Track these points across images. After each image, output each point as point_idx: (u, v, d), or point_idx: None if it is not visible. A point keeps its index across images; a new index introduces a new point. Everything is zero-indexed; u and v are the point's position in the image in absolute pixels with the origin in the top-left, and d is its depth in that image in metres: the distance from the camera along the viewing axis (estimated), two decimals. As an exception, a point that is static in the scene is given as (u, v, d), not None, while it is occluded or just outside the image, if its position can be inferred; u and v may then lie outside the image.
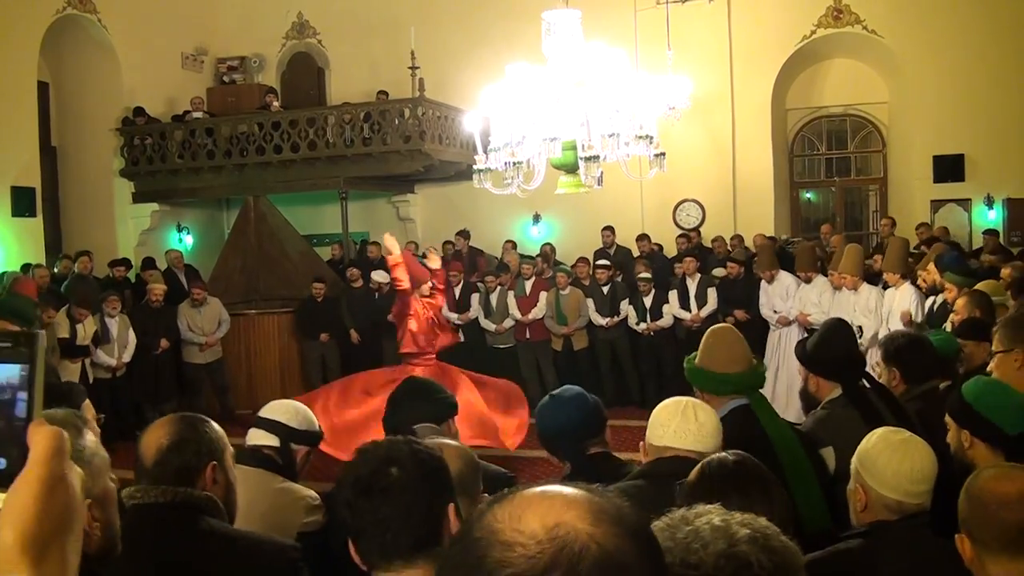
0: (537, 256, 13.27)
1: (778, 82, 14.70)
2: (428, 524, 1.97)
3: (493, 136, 6.66)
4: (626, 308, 11.77)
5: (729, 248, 12.92)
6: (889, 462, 2.62)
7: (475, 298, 12.23)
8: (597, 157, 6.33)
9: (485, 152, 6.68)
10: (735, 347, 3.58)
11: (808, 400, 3.86)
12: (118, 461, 2.38)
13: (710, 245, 13.30)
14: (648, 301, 11.62)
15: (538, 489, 1.06)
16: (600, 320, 11.74)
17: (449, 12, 15.42)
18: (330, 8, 16.54)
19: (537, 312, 11.84)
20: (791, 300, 10.63)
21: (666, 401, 3.02)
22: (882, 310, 9.14)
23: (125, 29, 14.65)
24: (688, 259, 11.83)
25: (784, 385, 9.96)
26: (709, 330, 3.76)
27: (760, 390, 3.62)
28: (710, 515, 1.41)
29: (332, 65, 16.90)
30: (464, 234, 14.17)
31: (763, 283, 10.96)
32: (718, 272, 11.74)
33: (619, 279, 12.18)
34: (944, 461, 2.91)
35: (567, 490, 1.06)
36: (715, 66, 14.37)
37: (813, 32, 14.49)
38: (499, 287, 12.10)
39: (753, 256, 11.96)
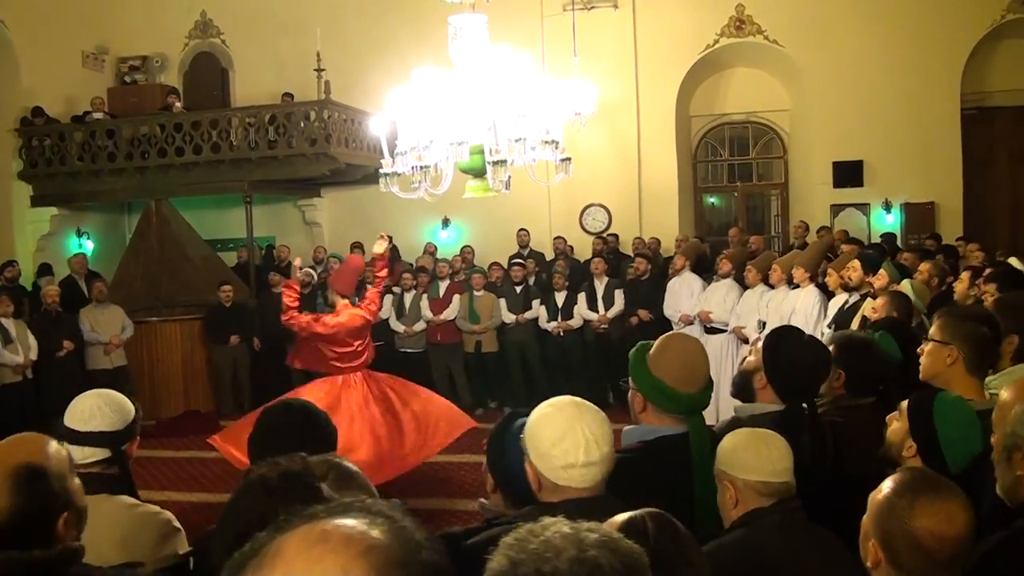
0: (456, 256, 13.26)
1: (682, 89, 14.93)
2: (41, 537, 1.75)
3: (400, 140, 6.63)
4: (537, 307, 11.85)
5: (650, 247, 13.14)
6: (748, 448, 2.70)
7: (388, 299, 12.17)
8: (504, 161, 6.34)
9: (392, 156, 6.64)
10: (696, 363, 3.15)
11: (744, 385, 3.63)
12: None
13: (628, 248, 13.60)
14: (560, 300, 11.71)
15: (298, 543, 0.92)
16: (511, 317, 11.79)
17: (355, 14, 15.32)
18: (234, 7, 16.27)
19: (449, 313, 11.84)
20: (695, 300, 10.78)
21: (550, 416, 2.52)
22: (783, 308, 9.28)
23: (24, 26, 14.22)
24: (596, 260, 11.97)
25: (716, 377, 10.02)
26: (670, 335, 3.30)
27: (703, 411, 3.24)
28: (558, 525, 1.43)
29: (236, 66, 16.63)
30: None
31: (669, 284, 11.11)
32: (630, 270, 11.91)
33: (533, 280, 12.29)
34: (844, 477, 2.98)
35: (337, 538, 0.92)
36: (621, 73, 14.53)
37: (716, 41, 14.77)
38: (414, 289, 12.06)
39: (668, 259, 12.13)
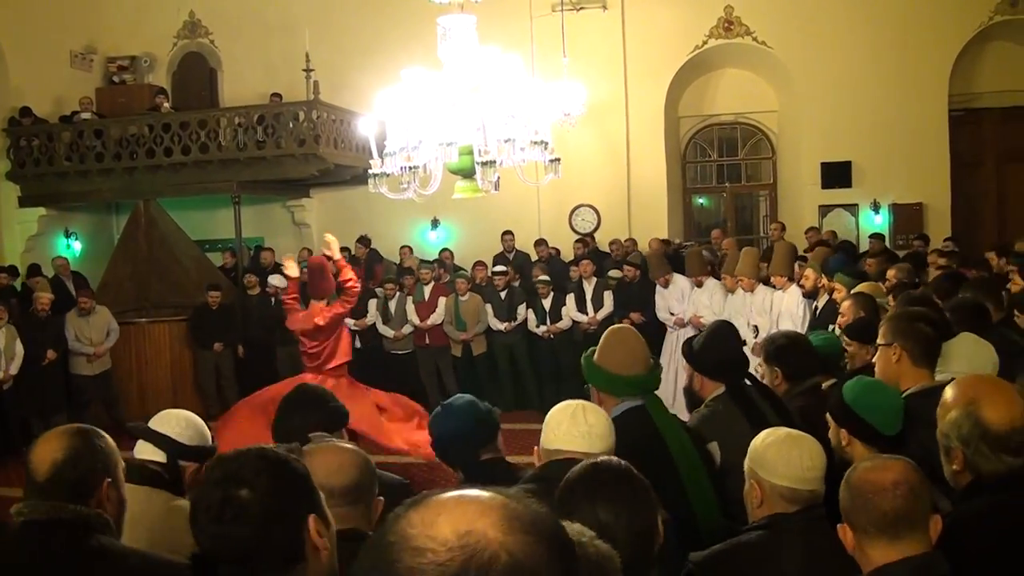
0: (434, 261, 13.25)
1: (671, 90, 14.94)
2: (288, 542, 1.88)
3: (389, 140, 6.63)
4: (524, 312, 11.84)
5: (626, 249, 13.10)
6: (779, 452, 2.75)
7: (372, 304, 12.14)
8: (493, 162, 6.34)
9: (381, 156, 6.64)
10: (635, 348, 3.59)
11: (692, 398, 3.97)
12: (4, 479, 2.32)
13: (607, 249, 13.52)
14: (547, 304, 11.72)
15: (455, 494, 1.06)
16: (499, 325, 11.78)
17: (344, 15, 15.29)
18: (223, 8, 16.22)
19: (436, 318, 11.83)
20: (686, 302, 10.82)
21: (558, 404, 3.00)
22: (772, 310, 9.36)
23: (11, 26, 14.16)
24: (584, 262, 11.97)
25: (682, 386, 10.11)
26: (609, 330, 3.76)
27: (656, 391, 3.64)
28: None
29: (224, 66, 16.57)
30: (364, 241, 14.07)
31: (658, 287, 11.14)
32: (614, 274, 11.88)
33: (517, 284, 12.24)
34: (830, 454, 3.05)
35: (483, 495, 1.05)
36: (609, 73, 14.54)
37: (705, 42, 14.78)
38: (397, 293, 12.04)
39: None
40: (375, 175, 6.67)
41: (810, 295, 8.49)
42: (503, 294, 11.93)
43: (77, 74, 15.83)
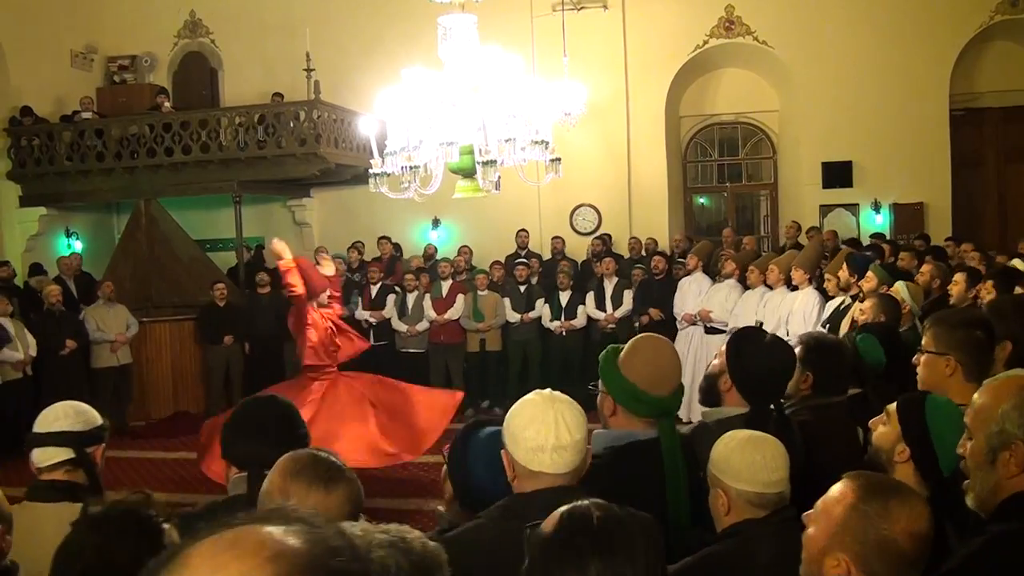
0: (457, 258, 13.24)
1: (672, 90, 14.94)
2: None
3: (389, 140, 6.64)
4: (541, 307, 11.86)
5: (647, 247, 13.23)
6: (742, 457, 2.65)
7: (391, 299, 12.15)
8: (494, 162, 6.35)
9: (381, 156, 6.65)
10: (668, 366, 3.07)
11: (710, 390, 3.49)
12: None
13: (619, 250, 13.64)
14: (564, 299, 11.73)
15: (207, 542, 0.92)
16: (515, 317, 11.81)
17: (345, 14, 15.29)
18: (223, 7, 16.22)
19: (453, 313, 11.85)
20: (700, 299, 10.79)
21: (527, 402, 2.55)
22: (781, 310, 9.28)
23: (12, 25, 14.17)
24: (607, 259, 12.00)
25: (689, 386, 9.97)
26: (643, 337, 3.20)
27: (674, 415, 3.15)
28: (353, 528, 1.46)
29: (225, 66, 16.57)
30: (385, 239, 14.08)
31: (679, 284, 11.11)
32: (640, 267, 11.96)
33: (536, 280, 12.32)
34: (817, 472, 2.83)
35: (242, 536, 0.92)
36: (610, 73, 14.54)
37: (706, 42, 14.78)
38: (416, 289, 12.06)
39: (680, 254, 12.25)
40: (376, 175, 6.68)
41: (845, 289, 8.03)
42: (522, 288, 11.99)
43: (78, 74, 15.83)
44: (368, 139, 6.84)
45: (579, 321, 11.72)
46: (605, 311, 11.62)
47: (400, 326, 12.03)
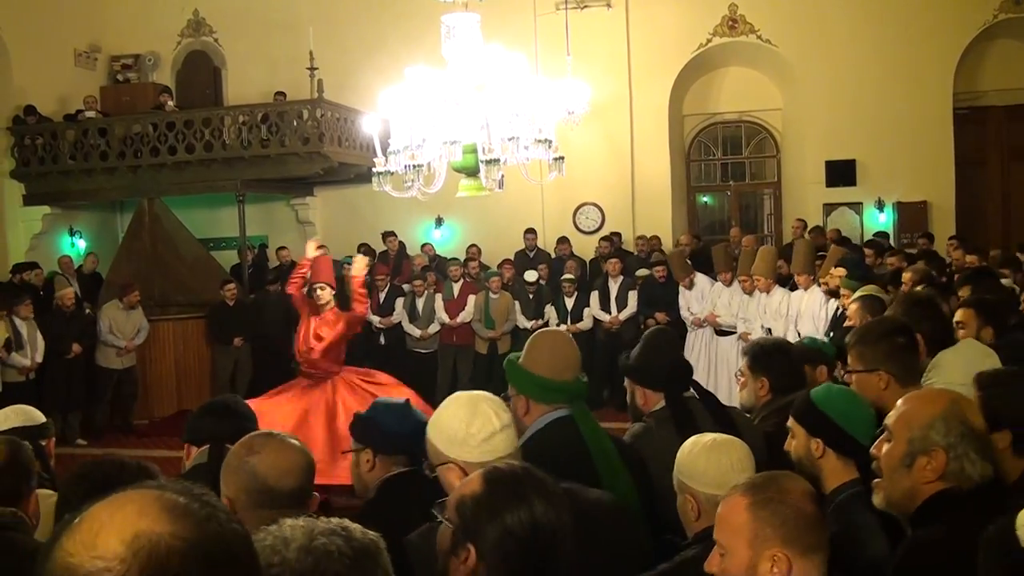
0: (471, 262, 13.19)
1: (675, 88, 14.93)
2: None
3: (393, 139, 6.64)
4: (549, 311, 11.86)
5: (651, 245, 13.23)
6: (709, 460, 2.68)
7: (399, 302, 12.14)
8: (497, 160, 6.34)
9: (385, 155, 6.65)
10: (566, 353, 3.24)
11: (636, 414, 3.66)
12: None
13: (630, 246, 13.65)
14: (570, 303, 11.72)
15: (102, 505, 1.02)
16: (526, 323, 11.79)
17: (348, 13, 15.29)
18: (227, 6, 16.22)
19: (465, 316, 11.85)
20: (705, 302, 10.80)
21: (443, 409, 2.66)
22: (790, 312, 9.25)
23: (16, 24, 14.16)
24: (613, 260, 11.98)
25: (726, 380, 9.98)
26: (538, 332, 3.41)
27: (583, 399, 3.28)
28: (295, 521, 1.51)
29: (229, 64, 16.57)
30: (391, 235, 14.07)
31: (681, 287, 11.14)
32: (642, 272, 11.91)
33: (545, 283, 12.30)
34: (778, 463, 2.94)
35: (134, 495, 1.03)
36: (613, 72, 14.53)
37: (709, 40, 14.77)
38: (426, 291, 12.04)
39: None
40: (379, 173, 6.67)
41: (834, 293, 8.14)
42: (531, 292, 11.99)
43: (81, 73, 15.83)
44: (371, 138, 6.83)
45: (585, 324, 11.73)
46: (610, 312, 11.61)
47: (413, 330, 12.03)
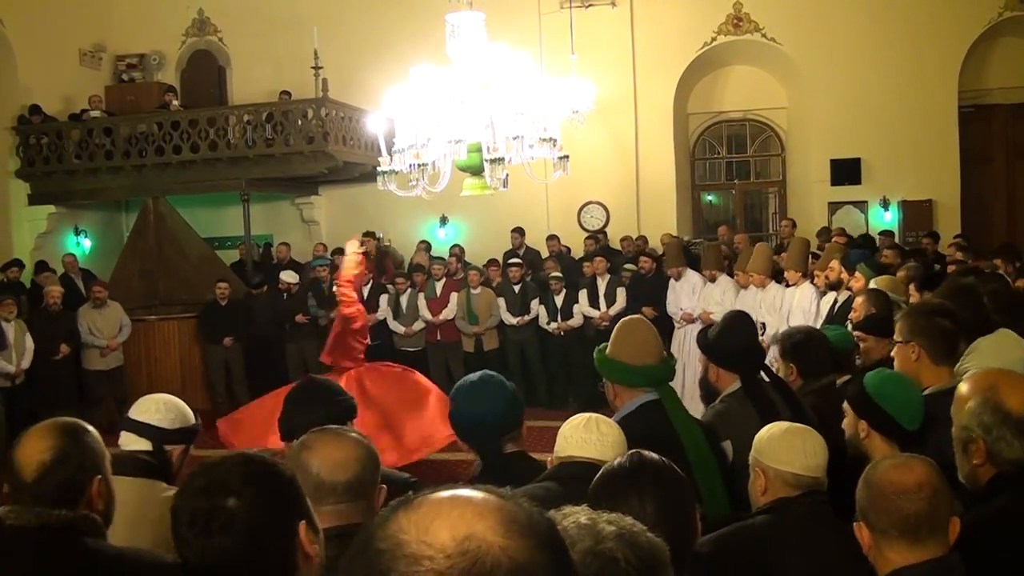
0: (450, 257, 13.21)
1: (680, 87, 14.92)
2: (279, 551, 1.82)
3: (397, 138, 6.63)
4: (537, 307, 11.83)
5: (637, 247, 13.14)
6: (783, 440, 2.83)
7: (384, 299, 12.14)
8: (502, 159, 6.34)
9: (389, 154, 6.64)
10: (648, 339, 3.55)
11: (708, 390, 3.94)
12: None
13: (618, 246, 13.56)
14: (559, 300, 11.71)
15: (446, 494, 1.01)
16: (511, 319, 11.78)
17: (353, 12, 15.29)
18: (231, 5, 16.24)
19: (448, 313, 11.82)
20: (696, 298, 10.80)
21: (572, 417, 3.01)
22: (783, 308, 9.31)
23: (21, 24, 14.16)
24: (598, 259, 11.96)
25: (691, 381, 10.05)
26: (621, 321, 3.71)
27: (670, 383, 3.62)
28: (577, 515, 1.45)
29: (233, 64, 16.59)
30: (371, 235, 14.08)
31: (671, 281, 11.13)
32: (629, 267, 11.88)
33: (529, 278, 12.24)
34: (837, 454, 3.05)
35: (477, 496, 1.00)
36: (618, 70, 14.51)
37: (714, 39, 14.75)
38: (409, 289, 12.03)
39: (662, 255, 12.14)
40: (384, 172, 6.67)
41: (834, 286, 8.30)
42: (516, 288, 11.93)
43: (86, 72, 15.84)
44: (376, 137, 6.84)
45: (575, 321, 11.70)
46: (599, 309, 11.60)
47: (397, 327, 12.00)
